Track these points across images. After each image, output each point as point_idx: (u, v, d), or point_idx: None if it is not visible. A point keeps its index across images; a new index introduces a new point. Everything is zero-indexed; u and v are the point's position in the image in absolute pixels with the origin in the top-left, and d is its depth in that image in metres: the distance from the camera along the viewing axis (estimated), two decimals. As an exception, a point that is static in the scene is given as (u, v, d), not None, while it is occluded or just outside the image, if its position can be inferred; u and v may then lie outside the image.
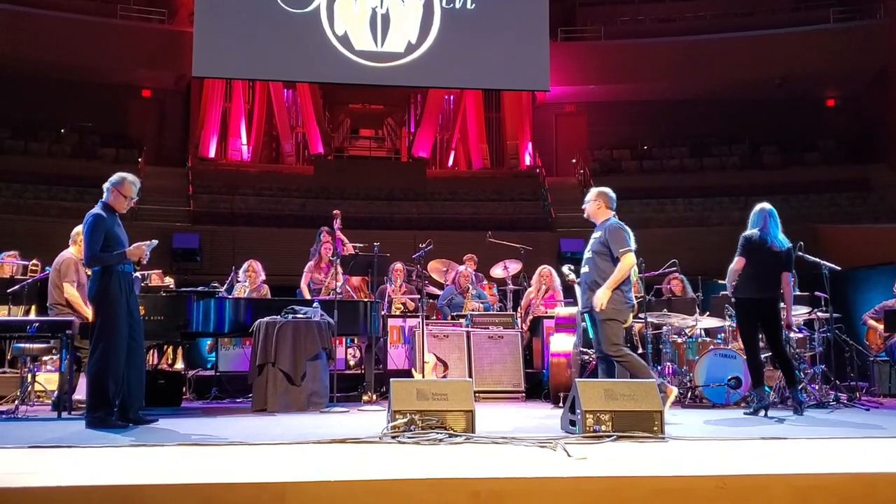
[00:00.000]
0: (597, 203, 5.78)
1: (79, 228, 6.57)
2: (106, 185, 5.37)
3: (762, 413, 5.95)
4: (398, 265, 9.26)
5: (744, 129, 20.79)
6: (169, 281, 8.87)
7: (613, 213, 5.78)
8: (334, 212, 9.77)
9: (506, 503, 2.94)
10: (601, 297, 5.40)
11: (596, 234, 5.72)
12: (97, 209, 5.26)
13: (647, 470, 3.34)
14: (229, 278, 8.36)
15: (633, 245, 5.51)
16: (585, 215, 5.89)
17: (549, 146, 22.14)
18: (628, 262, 5.46)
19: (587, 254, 5.74)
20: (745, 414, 6.05)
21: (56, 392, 6.25)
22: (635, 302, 5.76)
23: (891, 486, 3.12)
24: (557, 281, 8.68)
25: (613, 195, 5.84)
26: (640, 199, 19.05)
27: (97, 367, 5.05)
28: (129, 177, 5.44)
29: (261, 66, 18.07)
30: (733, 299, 6.37)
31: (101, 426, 4.90)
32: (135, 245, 5.23)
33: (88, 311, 5.66)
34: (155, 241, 5.38)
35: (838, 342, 7.56)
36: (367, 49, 18.07)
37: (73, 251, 6.54)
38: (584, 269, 5.72)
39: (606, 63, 20.32)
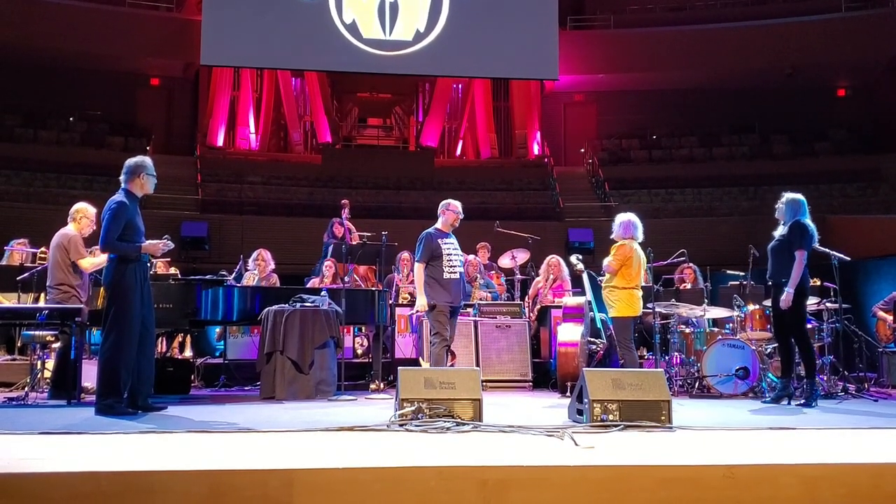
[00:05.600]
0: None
1: (78, 206, 6.59)
2: (125, 172, 5.37)
3: (785, 401, 6.03)
4: (406, 254, 9.25)
5: (754, 119, 20.69)
6: (173, 270, 8.89)
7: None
8: (342, 201, 9.79)
9: (513, 491, 2.95)
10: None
11: None
12: (120, 196, 5.28)
13: (654, 459, 3.34)
14: (237, 267, 8.38)
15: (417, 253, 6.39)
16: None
17: (558, 135, 22.08)
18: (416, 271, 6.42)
19: None
20: (764, 403, 6.11)
21: (51, 377, 6.29)
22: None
23: (899, 477, 3.11)
24: (565, 270, 8.67)
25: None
26: (648, 189, 19.01)
27: (109, 354, 5.07)
28: (145, 158, 5.51)
29: (269, 54, 18.06)
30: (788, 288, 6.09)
31: (111, 413, 4.92)
32: (151, 242, 5.30)
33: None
34: (171, 245, 5.46)
35: (847, 333, 7.52)
36: (376, 37, 18.02)
37: (73, 228, 6.49)
38: None
39: (616, 52, 20.22)
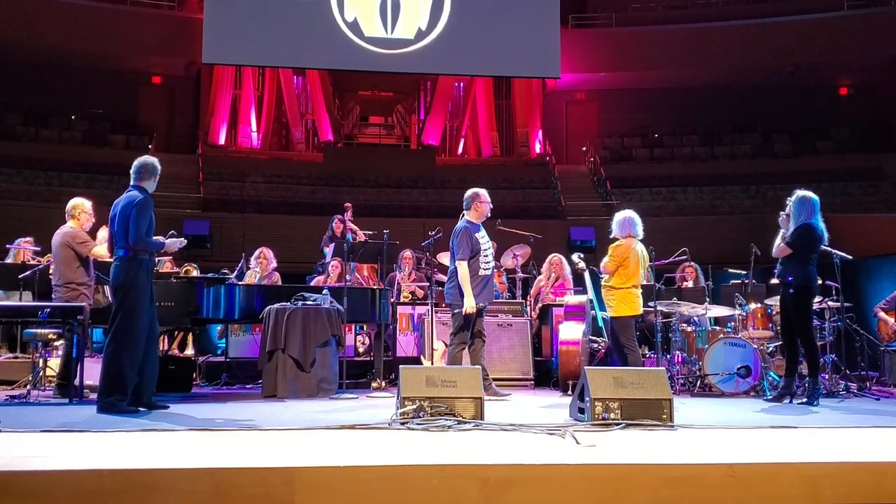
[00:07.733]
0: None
1: (74, 202, 6.57)
2: (139, 171, 5.38)
3: (787, 400, 6.03)
4: (407, 253, 9.27)
5: (755, 118, 20.67)
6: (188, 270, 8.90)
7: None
8: (346, 205, 9.80)
9: (514, 490, 2.95)
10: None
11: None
12: (141, 193, 5.29)
13: (655, 457, 3.34)
14: (239, 265, 8.39)
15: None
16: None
17: (560, 134, 22.07)
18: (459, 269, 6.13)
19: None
20: (765, 401, 6.11)
21: (57, 377, 6.29)
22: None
23: (901, 476, 3.11)
24: (567, 269, 8.67)
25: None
26: (650, 188, 19.01)
27: (116, 352, 5.07)
28: (154, 158, 5.56)
29: (270, 52, 18.06)
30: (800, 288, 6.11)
31: (113, 411, 4.93)
32: (171, 240, 5.39)
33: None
34: (185, 241, 5.56)
35: (849, 331, 7.52)
36: (377, 35, 18.02)
37: (73, 225, 6.46)
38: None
39: (618, 50, 20.21)
